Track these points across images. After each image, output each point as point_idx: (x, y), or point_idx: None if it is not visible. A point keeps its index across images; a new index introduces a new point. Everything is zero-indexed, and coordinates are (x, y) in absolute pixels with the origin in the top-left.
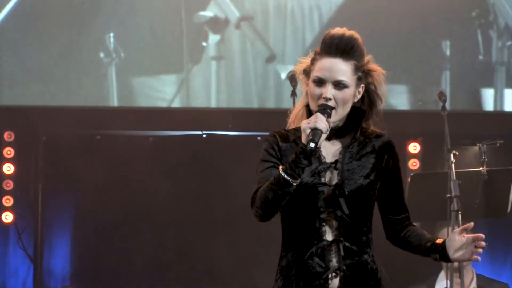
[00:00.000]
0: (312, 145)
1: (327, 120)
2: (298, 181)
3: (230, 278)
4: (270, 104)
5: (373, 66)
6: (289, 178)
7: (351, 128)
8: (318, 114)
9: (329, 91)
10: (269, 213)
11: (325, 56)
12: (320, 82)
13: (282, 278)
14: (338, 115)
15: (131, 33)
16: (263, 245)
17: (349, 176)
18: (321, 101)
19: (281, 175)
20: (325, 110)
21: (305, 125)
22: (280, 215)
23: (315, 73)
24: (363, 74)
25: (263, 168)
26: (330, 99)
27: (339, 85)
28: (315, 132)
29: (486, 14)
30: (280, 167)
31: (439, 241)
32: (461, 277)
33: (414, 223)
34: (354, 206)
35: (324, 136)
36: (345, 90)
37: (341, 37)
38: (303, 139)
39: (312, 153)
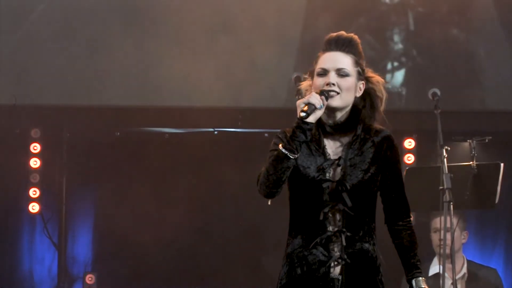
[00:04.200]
0: (303, 114)
1: (321, 98)
2: (296, 155)
3: (238, 267)
4: (276, 103)
5: (372, 73)
6: (287, 152)
7: (352, 125)
8: (313, 92)
9: (332, 77)
10: (272, 188)
11: (326, 52)
12: (323, 73)
13: (287, 264)
14: (343, 100)
15: (150, 37)
16: (272, 234)
17: (351, 171)
18: (325, 88)
19: (280, 150)
20: (322, 92)
21: (299, 101)
22: (289, 206)
23: (318, 66)
24: (364, 79)
25: (269, 156)
26: (333, 84)
27: (341, 72)
28: (309, 106)
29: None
30: (280, 144)
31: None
32: (452, 263)
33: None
34: (356, 199)
35: (319, 112)
36: (347, 78)
37: (340, 35)
38: (298, 114)
39: (306, 126)
